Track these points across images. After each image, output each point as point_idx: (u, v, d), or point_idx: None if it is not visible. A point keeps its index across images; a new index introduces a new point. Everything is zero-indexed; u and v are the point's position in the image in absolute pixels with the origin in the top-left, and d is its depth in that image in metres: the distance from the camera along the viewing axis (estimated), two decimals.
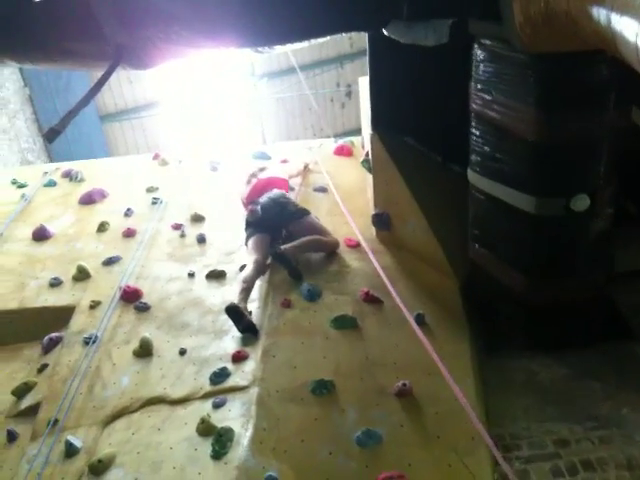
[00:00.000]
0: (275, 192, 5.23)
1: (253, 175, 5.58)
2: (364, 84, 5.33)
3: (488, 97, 3.64)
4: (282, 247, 4.66)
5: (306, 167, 6.33)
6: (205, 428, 3.50)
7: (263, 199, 5.13)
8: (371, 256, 4.59)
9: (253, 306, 4.50)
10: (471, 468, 3.22)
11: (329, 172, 6.16)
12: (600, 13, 2.35)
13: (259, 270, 4.67)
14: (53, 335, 4.57)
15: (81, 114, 4.06)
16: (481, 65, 3.62)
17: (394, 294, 4.03)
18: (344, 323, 4.16)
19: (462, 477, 3.20)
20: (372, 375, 3.80)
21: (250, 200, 5.27)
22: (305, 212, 5.13)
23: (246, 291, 4.45)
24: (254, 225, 5.02)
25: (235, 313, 4.22)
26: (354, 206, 5.55)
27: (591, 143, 3.51)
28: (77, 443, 3.61)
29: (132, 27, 3.95)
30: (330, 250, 4.97)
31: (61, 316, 4.73)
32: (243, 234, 5.09)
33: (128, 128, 13.00)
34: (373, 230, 5.16)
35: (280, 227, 5.07)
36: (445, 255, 4.61)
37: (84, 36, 4.11)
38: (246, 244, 4.98)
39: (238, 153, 7.16)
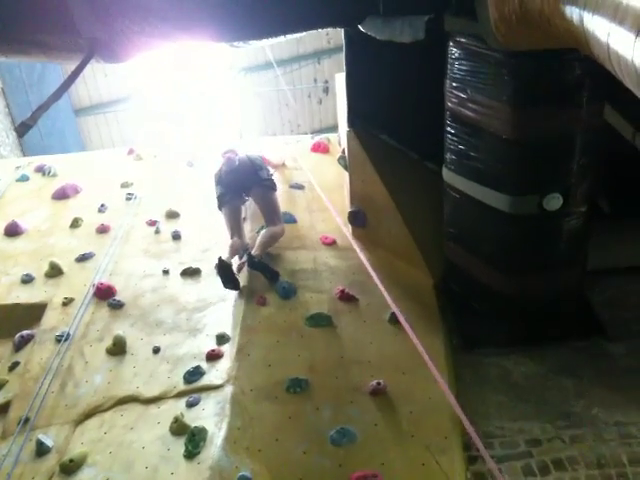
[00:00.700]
0: (255, 154, 5.35)
1: (231, 151, 5.53)
2: (340, 80, 5.31)
3: (463, 95, 3.65)
4: (253, 253, 4.60)
5: (283, 164, 6.30)
6: (178, 427, 3.47)
7: (242, 154, 5.25)
8: (356, 247, 4.65)
9: (228, 304, 4.47)
10: (444, 467, 3.24)
11: (306, 169, 6.13)
12: (573, 12, 2.36)
13: (240, 234, 4.90)
14: (24, 332, 4.50)
15: (55, 107, 4.00)
16: (456, 63, 3.63)
17: (383, 290, 4.00)
18: (319, 321, 4.16)
19: (436, 476, 3.22)
20: (347, 373, 3.80)
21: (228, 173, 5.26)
22: (274, 186, 5.23)
23: (234, 252, 4.69)
24: (224, 183, 5.13)
25: (224, 269, 4.41)
26: (331, 203, 5.54)
27: (564, 141, 3.53)
28: (48, 442, 3.58)
29: (106, 19, 3.88)
30: (279, 238, 4.98)
31: (33, 313, 4.66)
32: (217, 230, 5.05)
33: (103, 122, 12.84)
34: (349, 227, 5.15)
35: (245, 188, 5.14)
36: (420, 252, 4.63)
37: (57, 28, 4.04)
38: (219, 208, 5.12)
39: (214, 148, 7.10)
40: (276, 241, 4.94)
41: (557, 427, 3.54)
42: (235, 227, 4.97)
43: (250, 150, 5.53)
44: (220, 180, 5.20)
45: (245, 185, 5.15)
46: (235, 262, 4.68)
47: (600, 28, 2.13)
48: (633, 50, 1.86)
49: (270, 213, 5.07)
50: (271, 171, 5.47)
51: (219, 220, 5.18)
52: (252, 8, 3.62)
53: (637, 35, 1.82)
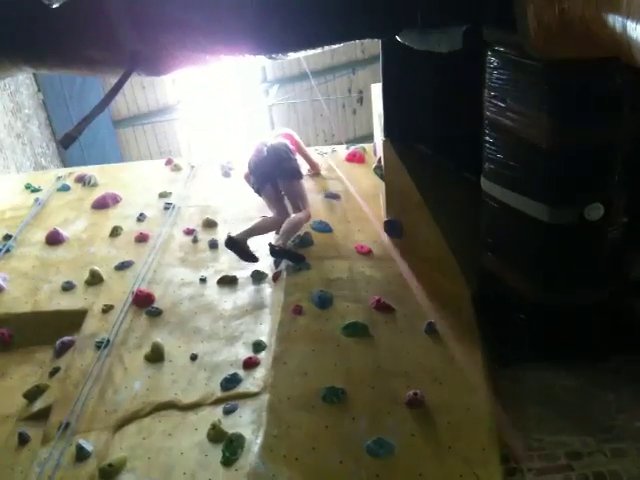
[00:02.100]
0: (280, 142, 5.53)
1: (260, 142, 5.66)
2: (377, 91, 5.32)
3: (502, 104, 3.63)
4: (275, 243, 4.77)
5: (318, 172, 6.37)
6: (216, 434, 3.50)
7: (269, 144, 5.44)
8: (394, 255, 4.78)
9: (265, 313, 4.50)
10: (483, 479, 3.19)
11: (341, 179, 6.16)
12: (615, 20, 2.35)
13: (276, 224, 5.08)
14: (65, 339, 4.59)
15: (96, 119, 4.09)
16: (494, 72, 3.61)
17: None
18: (355, 330, 4.15)
19: None
20: (383, 383, 3.78)
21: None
22: (298, 175, 5.38)
23: (249, 234, 4.94)
24: (256, 172, 5.39)
25: (233, 244, 4.77)
26: (366, 213, 5.55)
27: (605, 151, 3.48)
28: (88, 447, 3.63)
29: (147, 34, 3.97)
30: (303, 224, 5.13)
31: (73, 320, 4.74)
32: (254, 239, 5.11)
33: (141, 133, 13.07)
34: (385, 237, 5.15)
35: (271, 177, 5.32)
36: (457, 263, 4.59)
37: (99, 43, 4.14)
38: (256, 192, 5.48)
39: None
40: (300, 227, 5.08)
41: (598, 440, 3.47)
42: (274, 205, 5.27)
43: (276, 140, 5.64)
44: (252, 170, 5.46)
45: (271, 177, 5.34)
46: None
47: None
48: None
49: (294, 200, 5.27)
50: (294, 157, 5.57)
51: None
52: (289, 21, 3.66)
53: None
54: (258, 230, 5.07)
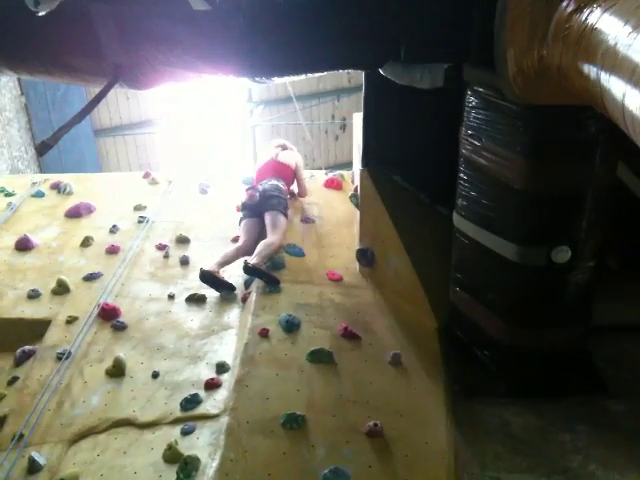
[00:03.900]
0: (272, 183, 5.74)
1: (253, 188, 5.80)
2: (358, 120, 5.38)
3: (478, 143, 3.69)
4: (250, 262, 4.86)
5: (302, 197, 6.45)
6: (171, 455, 3.43)
7: (261, 187, 5.68)
8: None
9: (231, 333, 4.48)
10: None
11: (318, 204, 6.19)
12: (590, 70, 2.41)
13: (242, 251, 5.26)
14: (26, 348, 4.50)
15: (76, 127, 4.07)
16: (473, 111, 3.68)
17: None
18: (320, 357, 4.13)
19: None
20: (344, 412, 3.77)
21: (258, 174, 6.05)
22: (282, 210, 5.55)
23: (221, 264, 5.07)
24: (247, 208, 5.62)
25: (208, 278, 4.88)
26: (340, 239, 5.58)
27: (576, 196, 3.56)
28: (41, 460, 3.55)
29: (132, 47, 3.99)
30: (276, 248, 5.24)
31: (36, 329, 4.66)
32: None
33: (121, 144, 13.01)
34: (356, 265, 5.17)
35: (258, 213, 5.56)
36: (426, 296, 4.62)
37: (83, 52, 4.15)
38: (239, 224, 5.62)
39: (229, 177, 7.18)
40: (274, 250, 5.16)
41: None
42: (244, 234, 5.46)
43: (269, 182, 5.78)
44: (243, 207, 5.70)
45: (258, 213, 5.53)
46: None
47: (616, 88, 2.17)
48: None
49: (271, 227, 5.38)
50: (284, 196, 5.75)
51: (229, 247, 5.27)
52: (275, 46, 3.70)
53: None
54: (227, 259, 5.16)
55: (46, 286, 5.09)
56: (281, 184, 5.80)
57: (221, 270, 5.04)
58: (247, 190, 5.76)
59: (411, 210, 4.95)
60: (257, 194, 5.60)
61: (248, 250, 5.23)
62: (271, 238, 5.24)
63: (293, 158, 6.27)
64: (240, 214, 5.72)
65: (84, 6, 3.85)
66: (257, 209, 5.56)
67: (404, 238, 4.77)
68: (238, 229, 5.60)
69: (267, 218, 5.47)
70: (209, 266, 4.96)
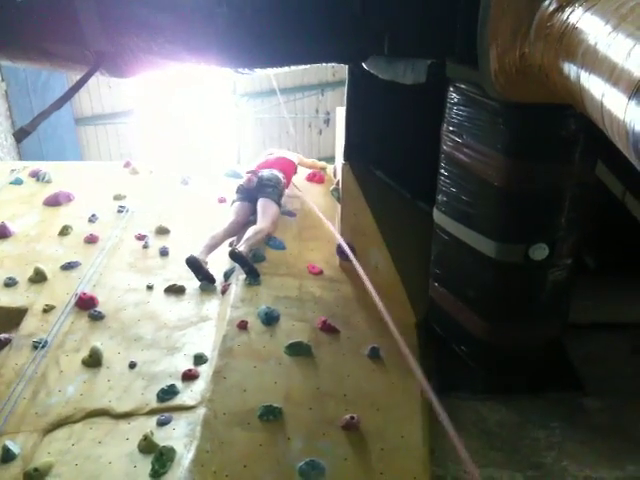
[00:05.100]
0: (272, 172, 5.80)
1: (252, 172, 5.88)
2: (341, 114, 5.38)
3: (458, 140, 3.70)
4: (237, 247, 4.85)
5: (323, 167, 6.88)
6: (147, 445, 3.42)
7: (261, 173, 5.74)
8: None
9: (209, 325, 4.47)
10: None
11: (300, 197, 6.18)
12: (571, 69, 2.42)
13: (229, 232, 5.30)
14: (2, 336, 4.44)
15: (56, 115, 4.03)
16: (454, 108, 3.69)
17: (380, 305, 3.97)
18: (299, 350, 4.14)
19: None
20: (321, 405, 3.78)
21: (262, 165, 6.05)
22: (275, 199, 5.57)
23: (210, 247, 5.07)
24: (241, 192, 5.66)
25: (194, 264, 4.84)
26: (321, 233, 5.58)
27: (554, 194, 3.58)
28: (15, 449, 3.52)
29: (114, 35, 3.93)
30: (264, 235, 5.27)
31: (12, 317, 4.61)
32: None
33: (102, 133, 12.91)
34: (337, 259, 5.17)
35: (251, 198, 5.60)
36: (405, 290, 4.64)
37: (65, 39, 4.09)
38: (231, 204, 5.69)
39: (211, 169, 7.15)
40: (262, 238, 5.19)
41: (527, 477, 3.52)
42: (233, 218, 5.46)
43: (271, 170, 5.86)
44: (238, 191, 5.77)
45: (251, 197, 5.59)
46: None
47: (595, 87, 2.19)
48: (625, 112, 1.91)
49: (261, 213, 5.40)
50: (280, 187, 5.81)
51: (215, 230, 5.27)
52: (259, 37, 3.68)
53: (630, 98, 1.87)
54: (214, 242, 5.16)
55: (23, 274, 5.04)
56: (281, 176, 5.84)
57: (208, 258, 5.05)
58: (247, 172, 5.86)
59: (392, 205, 4.97)
60: (255, 178, 5.66)
61: (235, 232, 5.31)
62: (260, 225, 5.25)
63: (295, 156, 6.57)
64: (234, 197, 5.76)
65: None
66: (252, 194, 5.60)
67: (385, 233, 4.78)
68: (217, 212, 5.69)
69: (259, 204, 5.51)
70: (198, 252, 4.95)
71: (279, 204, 5.65)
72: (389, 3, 3.45)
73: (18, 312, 4.66)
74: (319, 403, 3.80)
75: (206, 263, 4.96)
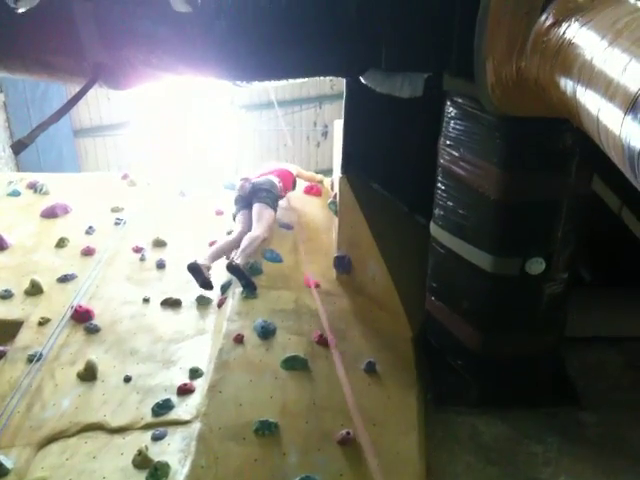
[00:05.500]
0: (266, 178, 5.85)
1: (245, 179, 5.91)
2: (339, 127, 5.39)
3: (455, 153, 3.71)
4: (235, 259, 4.81)
5: (320, 180, 6.83)
6: (141, 460, 3.40)
7: (255, 180, 5.79)
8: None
9: (206, 338, 4.45)
10: None
11: (297, 209, 6.18)
12: (567, 83, 2.43)
13: (235, 243, 5.21)
14: None
15: (55, 126, 4.02)
16: (451, 122, 3.69)
17: None
18: (295, 364, 4.12)
19: None
20: (317, 419, 3.75)
21: (259, 175, 6.03)
22: (269, 203, 5.59)
23: (214, 257, 5.01)
24: (239, 201, 5.70)
25: (195, 269, 4.77)
26: (318, 245, 5.57)
27: (551, 207, 3.58)
28: (8, 464, 3.49)
29: (113, 47, 3.94)
30: (259, 243, 5.28)
31: (8, 330, 4.59)
32: None
33: (101, 145, 12.91)
34: (334, 272, 5.16)
35: (248, 205, 5.61)
36: (402, 304, 4.63)
37: (63, 50, 4.09)
38: (233, 218, 5.73)
39: (209, 181, 7.15)
40: (258, 244, 5.16)
41: None
42: (238, 225, 5.47)
43: (266, 177, 5.90)
44: (236, 202, 5.79)
45: (248, 204, 5.61)
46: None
47: (592, 102, 2.19)
48: (621, 127, 1.91)
49: (256, 219, 5.40)
50: (275, 191, 5.81)
51: (205, 251, 5.17)
52: (256, 51, 3.69)
53: (626, 113, 1.88)
54: (220, 252, 5.13)
55: (19, 286, 5.03)
56: (276, 181, 5.86)
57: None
58: (240, 180, 5.88)
59: (389, 218, 4.96)
60: (248, 185, 5.68)
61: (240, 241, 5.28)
62: (255, 231, 5.24)
63: (293, 167, 6.58)
64: (233, 209, 5.80)
65: (65, 4, 3.81)
66: (248, 201, 5.61)
67: (381, 246, 4.78)
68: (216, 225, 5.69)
69: (254, 209, 5.51)
70: (202, 259, 4.89)
71: (274, 208, 5.64)
72: (386, 17, 3.46)
73: (13, 324, 4.64)
74: (315, 417, 3.77)
75: (209, 269, 4.88)
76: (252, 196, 5.61)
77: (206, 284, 4.83)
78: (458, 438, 3.84)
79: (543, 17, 2.72)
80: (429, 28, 3.45)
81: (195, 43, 3.75)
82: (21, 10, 3.70)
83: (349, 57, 3.75)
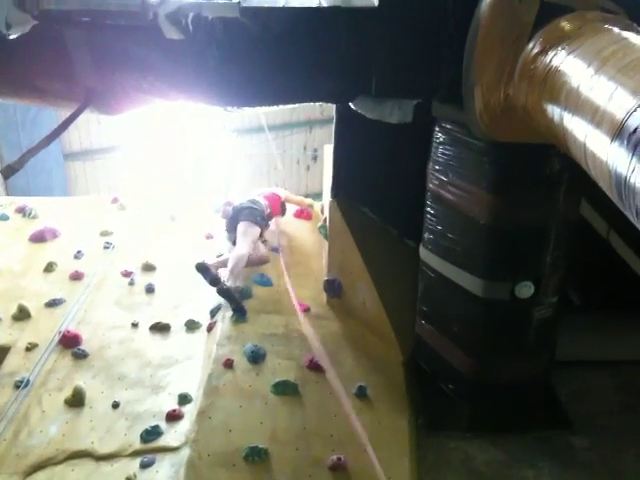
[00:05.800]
0: (249, 198, 5.91)
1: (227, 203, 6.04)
2: (328, 151, 5.42)
3: (444, 178, 3.74)
4: (225, 283, 4.83)
5: (310, 205, 6.82)
6: None
7: (235, 205, 5.84)
8: None
9: (195, 363, 4.42)
10: None
11: (287, 233, 6.18)
12: (554, 110, 2.47)
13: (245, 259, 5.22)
14: None
15: (45, 150, 4.02)
16: (440, 147, 3.73)
17: None
18: (285, 389, 4.09)
19: None
20: (308, 445, 3.73)
21: None
22: (248, 218, 5.62)
23: (218, 267, 5.10)
24: (229, 226, 5.79)
25: (203, 269, 4.93)
26: (308, 269, 5.57)
27: (539, 232, 3.61)
28: None
29: (105, 72, 3.96)
30: (257, 264, 5.42)
31: None
32: (192, 287, 5.18)
33: (91, 168, 12.88)
34: (324, 296, 5.15)
35: (235, 226, 5.65)
36: (392, 328, 4.62)
37: (55, 76, 4.11)
38: (227, 230, 5.86)
39: (199, 205, 7.14)
40: (241, 263, 5.13)
41: None
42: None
43: (244, 198, 5.97)
44: (226, 229, 5.91)
45: (234, 226, 5.66)
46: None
47: (578, 129, 2.22)
48: (607, 154, 1.94)
49: (239, 237, 5.47)
50: (259, 207, 5.84)
51: (194, 277, 5.15)
52: (249, 77, 3.72)
53: (612, 140, 1.90)
54: (237, 269, 5.11)
55: (6, 311, 4.98)
56: (260, 199, 5.91)
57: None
58: (223, 205, 6.01)
59: (379, 242, 4.97)
60: (229, 208, 5.79)
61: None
62: (238, 251, 5.26)
63: (282, 191, 6.65)
64: (227, 236, 5.88)
65: (57, 30, 3.83)
66: (234, 224, 5.67)
67: (372, 270, 4.78)
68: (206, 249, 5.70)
69: (238, 229, 5.57)
70: (210, 261, 5.07)
71: (259, 223, 5.66)
72: (376, 45, 3.50)
73: (1, 350, 4.59)
74: (306, 443, 3.74)
75: (217, 268, 5.04)
76: (235, 218, 5.68)
77: (215, 281, 4.89)
78: (450, 463, 3.82)
79: (531, 45, 2.77)
80: (418, 56, 3.50)
81: (187, 70, 3.77)
82: (13, 36, 3.71)
83: (339, 84, 3.78)
